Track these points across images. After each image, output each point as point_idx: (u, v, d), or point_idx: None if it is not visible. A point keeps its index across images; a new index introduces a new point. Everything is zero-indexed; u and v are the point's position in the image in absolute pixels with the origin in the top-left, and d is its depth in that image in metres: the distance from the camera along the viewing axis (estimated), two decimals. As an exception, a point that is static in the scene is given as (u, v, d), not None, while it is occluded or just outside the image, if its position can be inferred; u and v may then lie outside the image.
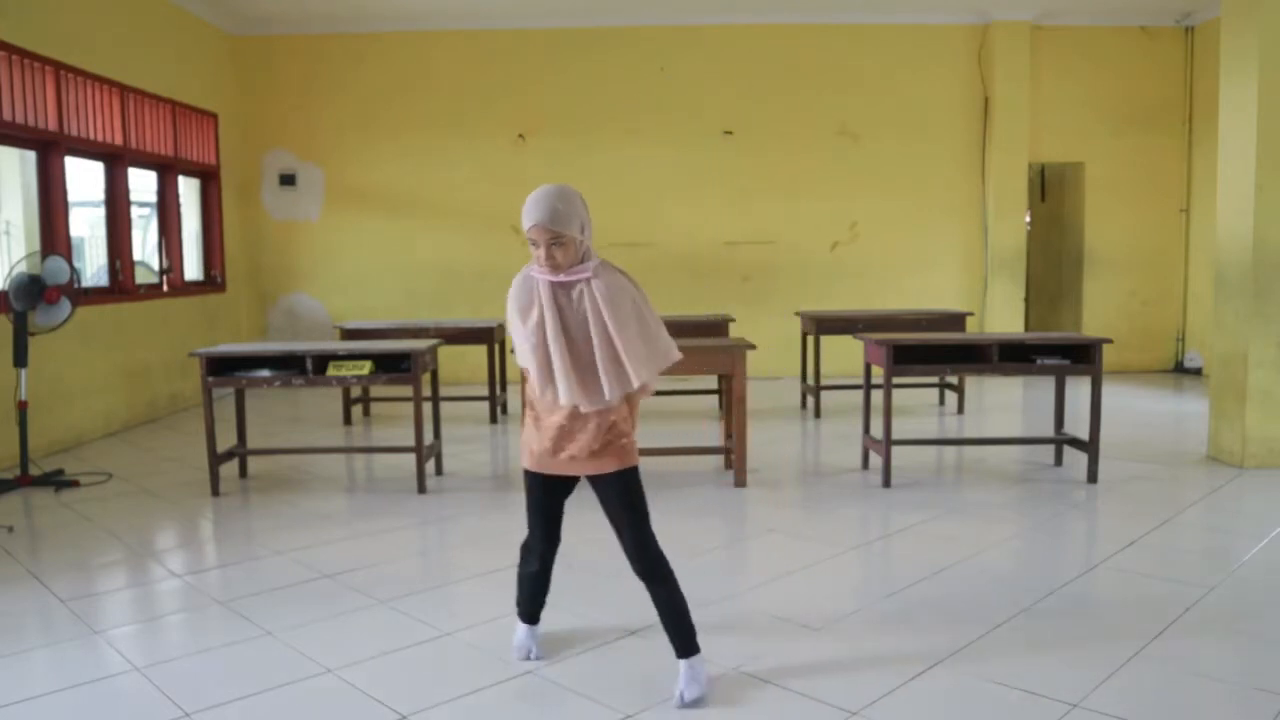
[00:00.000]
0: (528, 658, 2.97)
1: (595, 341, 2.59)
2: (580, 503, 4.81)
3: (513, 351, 2.84)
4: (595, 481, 2.80)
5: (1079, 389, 6.21)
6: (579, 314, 2.61)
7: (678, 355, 2.77)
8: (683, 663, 2.71)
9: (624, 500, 2.79)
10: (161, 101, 7.73)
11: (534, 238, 2.57)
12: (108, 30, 6.99)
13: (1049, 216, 10.35)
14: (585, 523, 4.48)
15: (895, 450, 5.36)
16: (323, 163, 9.30)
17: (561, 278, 2.60)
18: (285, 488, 5.25)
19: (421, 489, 5.04)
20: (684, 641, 2.73)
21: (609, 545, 4.11)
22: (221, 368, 4.99)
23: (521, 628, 3.05)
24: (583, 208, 2.63)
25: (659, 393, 7.44)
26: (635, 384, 2.64)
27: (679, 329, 6.87)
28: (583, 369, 2.61)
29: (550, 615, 3.30)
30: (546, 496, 2.87)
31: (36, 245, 6.22)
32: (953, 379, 7.45)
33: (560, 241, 2.56)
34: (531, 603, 3.03)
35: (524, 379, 2.80)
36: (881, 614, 3.31)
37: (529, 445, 2.81)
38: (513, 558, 3.98)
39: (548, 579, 3.02)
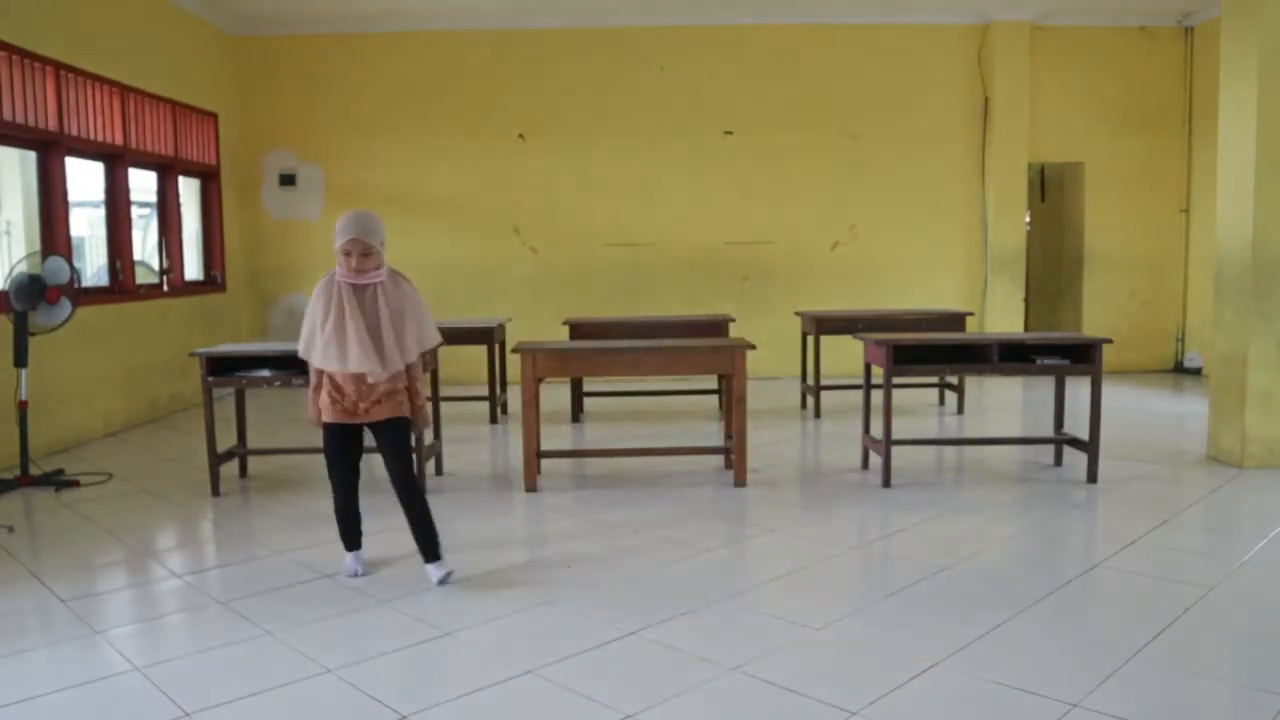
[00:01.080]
0: (355, 576, 3.72)
1: (382, 327, 3.44)
2: (578, 507, 4.82)
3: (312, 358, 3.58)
4: (381, 428, 3.60)
5: (1079, 389, 6.21)
6: (371, 308, 3.44)
7: (439, 339, 3.65)
8: (430, 565, 3.68)
9: (401, 443, 3.62)
10: (161, 101, 7.73)
11: (349, 249, 3.40)
12: (108, 30, 6.98)
13: (1049, 216, 10.35)
14: (587, 525, 4.49)
15: (895, 450, 5.36)
16: (323, 163, 9.30)
17: (361, 281, 3.42)
18: (285, 488, 5.26)
19: (421, 489, 5.03)
20: (432, 549, 3.68)
21: (610, 546, 4.13)
22: (221, 368, 4.99)
23: (349, 555, 3.78)
24: (382, 227, 3.50)
25: (659, 392, 7.46)
26: (405, 362, 3.52)
27: (679, 329, 6.91)
28: (374, 347, 3.43)
29: (550, 614, 3.32)
30: (343, 444, 3.62)
31: (37, 245, 6.22)
32: (953, 379, 7.45)
33: (368, 251, 3.40)
34: (350, 534, 3.77)
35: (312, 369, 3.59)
36: (881, 614, 3.31)
37: (329, 406, 3.55)
38: (513, 557, 4.01)
39: (358, 512, 3.77)
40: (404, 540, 4.28)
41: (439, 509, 4.73)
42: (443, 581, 3.63)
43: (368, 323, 3.43)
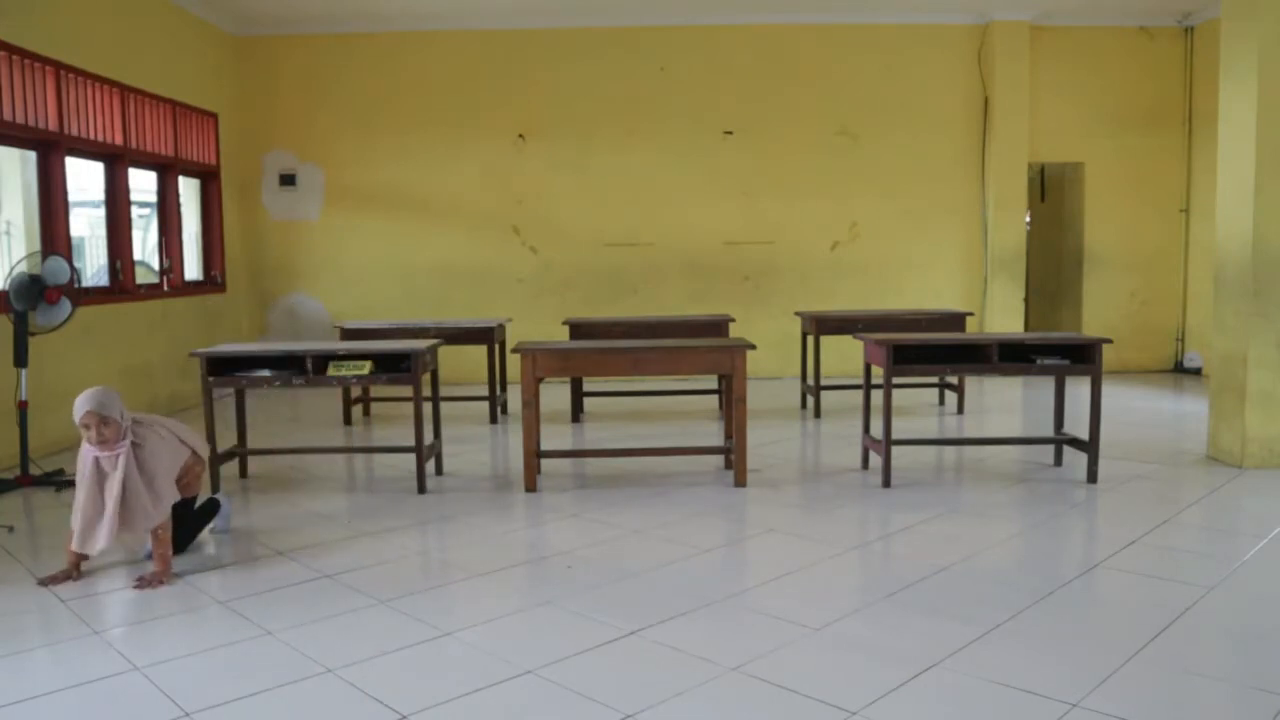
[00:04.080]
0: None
1: (120, 493, 3.58)
2: (578, 507, 4.82)
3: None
4: None
5: (1079, 389, 6.22)
6: (115, 477, 3.59)
7: (162, 519, 3.68)
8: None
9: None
10: (161, 101, 7.73)
11: (86, 423, 3.56)
12: (108, 30, 6.98)
13: (1049, 216, 10.35)
14: (587, 525, 4.49)
15: (895, 450, 5.36)
16: (323, 163, 9.30)
17: (106, 453, 3.60)
18: (285, 488, 5.25)
19: (421, 489, 5.05)
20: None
21: (610, 547, 4.13)
22: (222, 368, 4.99)
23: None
24: (120, 402, 3.67)
25: (659, 392, 7.46)
26: (143, 530, 3.65)
27: (679, 329, 6.91)
28: (98, 523, 3.60)
29: (551, 614, 3.32)
30: None
31: (37, 245, 6.22)
32: (953, 379, 7.45)
33: (107, 421, 3.57)
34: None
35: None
36: (881, 614, 3.31)
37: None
38: (513, 557, 4.01)
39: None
40: (404, 539, 4.30)
41: (439, 509, 4.76)
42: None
43: (105, 496, 3.61)
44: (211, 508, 4.24)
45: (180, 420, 4.17)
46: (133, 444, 3.67)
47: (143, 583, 3.63)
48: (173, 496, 3.74)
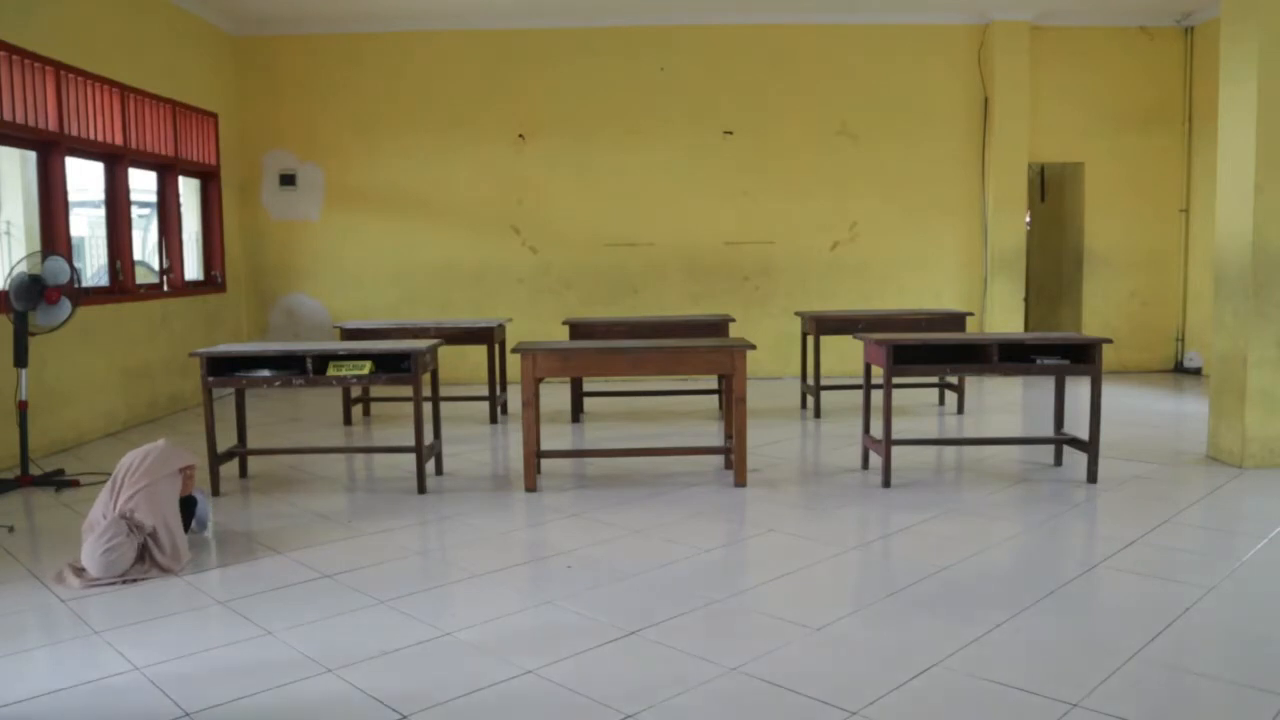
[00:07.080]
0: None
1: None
2: (578, 507, 4.82)
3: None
4: None
5: (1079, 389, 6.22)
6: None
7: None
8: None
9: None
10: (161, 101, 7.73)
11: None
12: (108, 30, 6.98)
13: (1049, 216, 10.35)
14: (587, 525, 4.49)
15: (895, 450, 5.36)
16: (323, 163, 9.30)
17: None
18: (285, 488, 5.26)
19: (421, 489, 5.05)
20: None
21: (610, 547, 4.13)
22: (222, 368, 4.99)
23: None
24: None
25: (659, 392, 7.46)
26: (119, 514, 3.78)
27: (679, 329, 6.91)
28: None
29: (551, 614, 3.32)
30: None
31: (37, 245, 6.22)
32: (953, 379, 7.45)
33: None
34: None
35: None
36: (881, 614, 3.31)
37: None
38: (513, 557, 4.01)
39: None
40: (404, 539, 4.30)
41: (439, 509, 4.76)
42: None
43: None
44: (190, 506, 4.19)
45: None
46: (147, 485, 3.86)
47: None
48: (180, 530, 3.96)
